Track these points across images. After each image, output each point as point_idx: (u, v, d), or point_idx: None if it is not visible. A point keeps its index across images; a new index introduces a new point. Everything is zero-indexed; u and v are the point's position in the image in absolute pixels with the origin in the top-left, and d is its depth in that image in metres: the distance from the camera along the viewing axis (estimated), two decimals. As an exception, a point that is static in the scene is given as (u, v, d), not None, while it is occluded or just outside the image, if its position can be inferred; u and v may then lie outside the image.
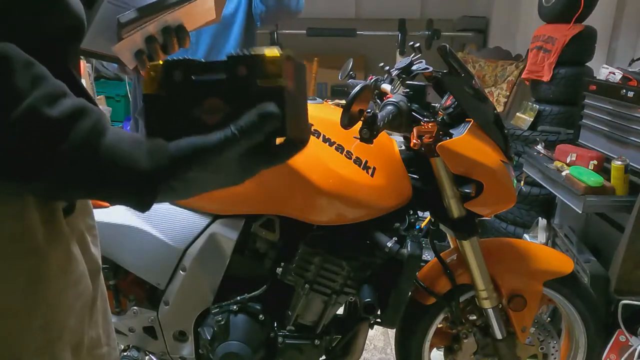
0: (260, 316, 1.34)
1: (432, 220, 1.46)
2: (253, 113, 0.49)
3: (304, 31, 4.38)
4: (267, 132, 0.50)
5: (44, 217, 0.57)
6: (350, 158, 1.27)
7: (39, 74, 0.47)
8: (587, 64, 2.56)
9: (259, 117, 0.49)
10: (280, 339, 1.35)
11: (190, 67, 0.52)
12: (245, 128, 0.49)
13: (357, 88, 1.02)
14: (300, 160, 1.25)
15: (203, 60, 0.52)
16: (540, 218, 2.44)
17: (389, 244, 1.27)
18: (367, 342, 1.50)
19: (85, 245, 0.67)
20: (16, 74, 0.45)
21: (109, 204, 1.38)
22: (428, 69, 1.30)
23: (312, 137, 1.27)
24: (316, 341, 1.37)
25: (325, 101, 1.55)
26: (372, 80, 1.51)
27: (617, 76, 2.11)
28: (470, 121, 1.25)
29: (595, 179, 1.89)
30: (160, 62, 0.53)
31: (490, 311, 1.43)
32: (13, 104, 0.44)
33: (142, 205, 0.52)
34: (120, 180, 0.49)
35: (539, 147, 2.39)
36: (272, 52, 0.49)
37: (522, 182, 2.56)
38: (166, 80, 0.52)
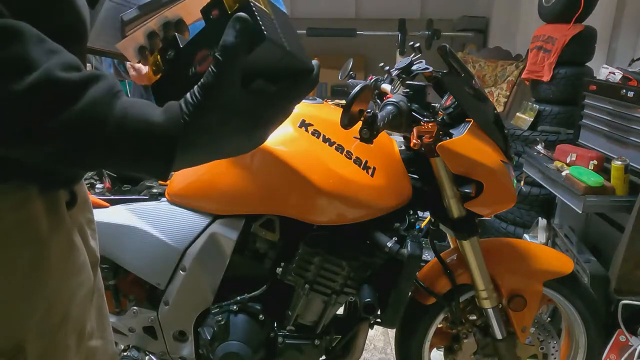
0: (260, 316, 1.34)
1: (432, 220, 1.46)
2: (227, 29, 0.50)
3: (304, 31, 4.39)
4: (245, 38, 0.49)
5: (47, 206, 0.59)
6: (350, 158, 1.27)
7: (53, 47, 0.48)
8: (587, 64, 2.56)
9: (230, 28, 0.49)
10: (280, 339, 1.35)
11: (177, 40, 0.56)
12: (223, 44, 0.49)
13: (357, 88, 1.02)
14: (300, 160, 1.25)
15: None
16: (540, 218, 2.45)
17: (389, 244, 1.27)
18: (367, 342, 1.50)
19: (85, 238, 0.70)
20: (31, 45, 0.46)
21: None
22: (428, 69, 1.30)
23: (312, 137, 1.27)
24: (316, 341, 1.37)
25: (325, 101, 1.55)
26: (372, 80, 1.51)
27: (617, 76, 2.11)
28: (470, 121, 1.25)
29: (595, 179, 1.89)
30: (157, 53, 0.57)
31: (490, 311, 1.43)
32: (28, 70, 0.45)
33: (161, 164, 0.50)
34: (136, 137, 0.49)
35: (539, 147, 2.39)
36: None
37: (522, 182, 2.56)
38: (165, 63, 0.57)
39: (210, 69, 0.49)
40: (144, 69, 1.67)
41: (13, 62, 0.45)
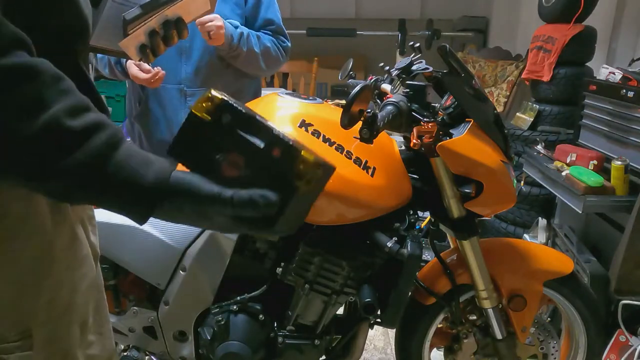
0: (260, 316, 1.34)
1: (432, 220, 1.46)
2: (257, 193, 0.52)
3: (304, 31, 4.38)
4: (259, 215, 0.53)
5: (50, 200, 0.61)
6: (350, 158, 1.27)
7: (65, 88, 0.51)
8: (587, 64, 2.55)
9: (257, 199, 0.52)
10: (280, 339, 1.35)
11: (241, 119, 0.56)
12: (241, 200, 0.52)
13: (357, 88, 1.02)
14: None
15: (258, 116, 0.55)
16: (540, 218, 2.44)
17: (389, 244, 1.27)
18: (367, 342, 1.50)
19: (86, 232, 0.72)
20: (45, 85, 0.49)
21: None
22: (428, 69, 1.30)
23: (312, 137, 1.27)
24: (316, 341, 1.37)
25: (325, 101, 1.55)
26: (372, 80, 1.51)
27: (617, 76, 2.11)
28: (470, 121, 1.25)
29: (595, 179, 1.89)
30: (221, 97, 0.56)
31: (490, 311, 1.43)
32: (38, 113, 0.48)
33: (138, 217, 0.55)
34: (122, 192, 0.53)
35: (539, 147, 2.39)
36: (308, 153, 0.53)
37: (522, 182, 2.56)
38: (215, 115, 0.56)
39: (218, 191, 0.53)
40: (148, 69, 1.69)
41: (25, 103, 0.48)
